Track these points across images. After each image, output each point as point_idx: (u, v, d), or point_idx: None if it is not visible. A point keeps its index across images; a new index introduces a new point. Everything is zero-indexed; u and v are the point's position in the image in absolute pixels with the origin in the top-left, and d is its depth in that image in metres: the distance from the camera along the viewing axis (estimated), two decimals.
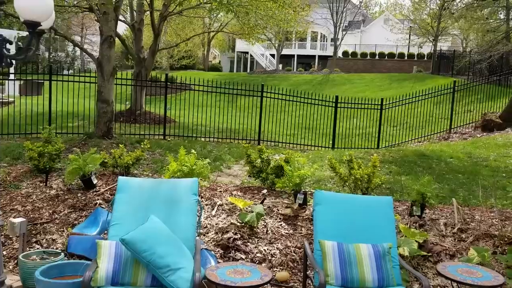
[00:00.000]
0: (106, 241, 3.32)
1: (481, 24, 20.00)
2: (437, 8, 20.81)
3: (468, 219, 5.12)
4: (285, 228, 4.85)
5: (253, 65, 43.62)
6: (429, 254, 4.43)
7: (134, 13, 14.93)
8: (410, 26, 34.15)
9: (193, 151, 5.89)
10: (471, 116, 13.54)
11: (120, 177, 3.86)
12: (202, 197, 5.46)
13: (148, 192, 3.72)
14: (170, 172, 5.53)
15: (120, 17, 15.31)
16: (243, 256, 4.30)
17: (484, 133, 11.98)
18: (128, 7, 15.02)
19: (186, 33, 20.50)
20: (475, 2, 12.50)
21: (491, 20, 21.42)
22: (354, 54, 38.59)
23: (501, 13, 22.53)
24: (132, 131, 10.98)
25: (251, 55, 42.78)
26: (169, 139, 10.91)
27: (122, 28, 24.44)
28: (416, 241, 4.31)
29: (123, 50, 30.35)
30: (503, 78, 16.47)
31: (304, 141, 12.92)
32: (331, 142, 12.64)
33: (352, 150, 11.03)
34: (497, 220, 5.08)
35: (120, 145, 6.82)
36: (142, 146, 6.64)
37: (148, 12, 14.59)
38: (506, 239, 4.66)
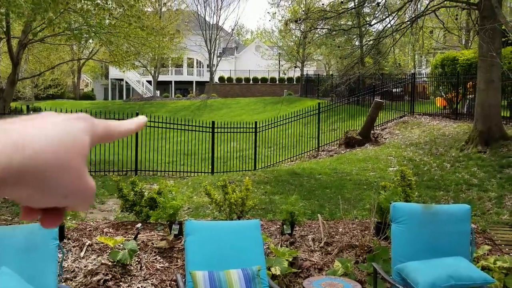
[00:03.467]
0: None
1: (340, 50, 22.11)
2: (301, 36, 22.70)
3: (333, 232, 5.53)
4: (160, 262, 4.74)
5: (129, 92, 42.42)
6: (300, 270, 4.68)
7: None
8: (279, 53, 36.39)
9: None
10: (336, 134, 14.76)
11: None
12: (69, 239, 5.09)
13: None
14: None
15: None
16: None
17: (347, 150, 13.13)
18: None
19: (52, 60, 19.20)
20: (330, 31, 13.84)
21: (348, 47, 23.81)
22: (229, 79, 39.79)
23: (356, 40, 25.23)
24: None
25: (126, 82, 41.60)
26: None
27: None
28: (286, 259, 4.52)
29: None
30: (361, 98, 18.32)
31: (184, 168, 12.85)
32: (210, 167, 12.76)
33: (230, 173, 11.27)
34: (357, 231, 5.57)
35: None
36: None
37: (5, 40, 13.40)
38: (365, 248, 5.11)
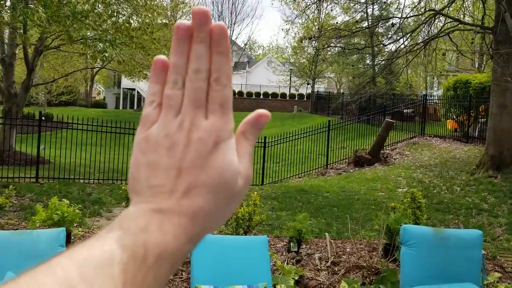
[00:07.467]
0: None
1: (352, 68, 22.19)
2: (313, 53, 22.87)
3: (340, 252, 5.46)
4: None
5: (140, 101, 42.76)
6: None
7: (5, 46, 13.81)
8: (291, 69, 36.55)
9: (64, 200, 5.49)
10: (345, 152, 14.69)
11: None
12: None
13: (5, 246, 3.35)
14: (39, 222, 5.07)
15: None
16: None
17: (356, 168, 13.05)
18: None
19: (66, 68, 19.44)
20: (343, 50, 13.90)
21: (360, 66, 23.87)
22: (240, 93, 39.96)
23: (368, 60, 25.29)
24: None
25: (138, 92, 41.98)
26: (42, 182, 10.06)
27: None
28: (292, 278, 4.46)
29: None
30: (371, 118, 18.27)
31: None
32: None
33: None
34: (365, 251, 5.49)
35: None
36: (7, 192, 6.02)
37: (21, 46, 13.61)
38: (373, 269, 5.03)
